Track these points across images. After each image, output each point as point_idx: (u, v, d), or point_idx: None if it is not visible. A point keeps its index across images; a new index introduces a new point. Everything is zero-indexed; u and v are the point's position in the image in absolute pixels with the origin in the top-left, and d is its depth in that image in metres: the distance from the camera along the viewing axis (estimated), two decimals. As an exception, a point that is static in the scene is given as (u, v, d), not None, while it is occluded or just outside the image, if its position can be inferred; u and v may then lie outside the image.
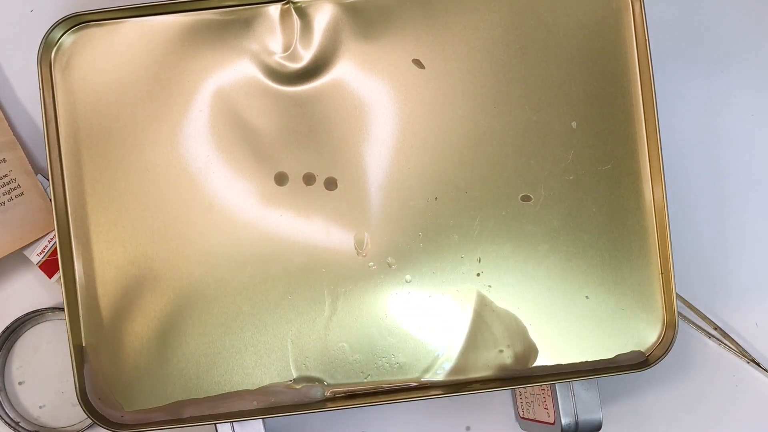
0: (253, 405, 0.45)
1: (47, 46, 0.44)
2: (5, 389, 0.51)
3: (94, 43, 0.44)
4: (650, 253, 0.46)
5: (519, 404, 0.54)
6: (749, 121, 0.54)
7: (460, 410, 0.54)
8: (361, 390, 0.45)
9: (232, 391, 0.45)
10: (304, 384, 0.45)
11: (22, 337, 0.50)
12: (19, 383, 0.49)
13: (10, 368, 0.51)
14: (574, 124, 0.46)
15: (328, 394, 0.45)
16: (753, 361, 0.53)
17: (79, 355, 0.44)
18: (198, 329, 0.45)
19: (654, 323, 0.46)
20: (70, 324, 0.44)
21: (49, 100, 0.44)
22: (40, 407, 0.52)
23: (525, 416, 0.53)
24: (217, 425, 0.45)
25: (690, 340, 0.53)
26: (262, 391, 0.45)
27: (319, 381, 0.45)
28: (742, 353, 0.53)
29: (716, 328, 0.53)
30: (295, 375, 0.45)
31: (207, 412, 0.45)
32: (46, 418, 0.52)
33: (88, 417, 0.44)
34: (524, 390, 0.53)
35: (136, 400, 0.45)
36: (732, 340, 0.53)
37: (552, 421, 0.49)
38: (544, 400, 0.49)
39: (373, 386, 0.45)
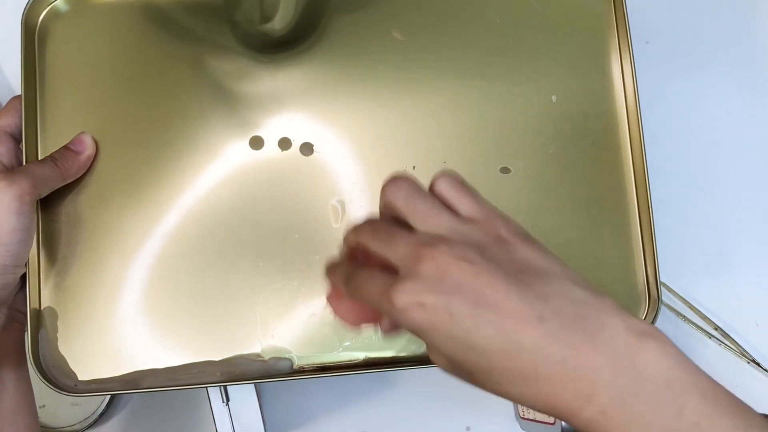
0: (217, 376, 0.42)
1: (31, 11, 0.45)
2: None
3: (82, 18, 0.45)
4: (631, 229, 0.44)
5: (519, 404, 0.51)
6: (730, 113, 0.54)
7: (460, 410, 0.51)
8: (331, 363, 0.43)
9: (195, 362, 0.42)
10: (272, 356, 0.42)
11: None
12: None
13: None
14: (554, 98, 0.45)
15: (296, 367, 0.42)
16: (753, 361, 0.50)
17: (35, 319, 0.42)
18: (162, 297, 0.43)
19: (636, 301, 0.44)
20: (31, 288, 0.42)
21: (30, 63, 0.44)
22: (40, 407, 0.50)
23: (525, 416, 0.50)
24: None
25: (690, 340, 0.50)
26: (227, 362, 0.42)
27: (288, 353, 0.43)
28: (742, 353, 0.50)
29: (716, 328, 0.51)
30: (263, 346, 0.43)
31: (166, 384, 0.42)
32: (46, 418, 0.51)
33: (42, 381, 0.41)
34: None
35: (93, 368, 0.42)
36: (732, 340, 0.50)
37: (552, 422, 0.47)
38: (543, 400, 0.47)
39: (345, 359, 0.43)
